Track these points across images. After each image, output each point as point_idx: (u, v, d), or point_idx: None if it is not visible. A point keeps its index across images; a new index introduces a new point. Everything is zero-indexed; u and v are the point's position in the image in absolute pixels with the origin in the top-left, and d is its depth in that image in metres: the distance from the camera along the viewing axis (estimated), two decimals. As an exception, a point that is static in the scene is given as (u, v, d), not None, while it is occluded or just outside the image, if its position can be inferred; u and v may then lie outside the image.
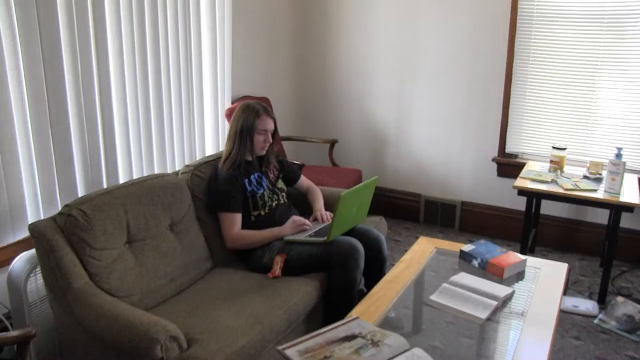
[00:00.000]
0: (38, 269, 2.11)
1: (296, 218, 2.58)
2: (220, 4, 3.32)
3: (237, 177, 2.56)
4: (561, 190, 2.98)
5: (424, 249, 2.48)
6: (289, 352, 1.61)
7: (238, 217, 2.54)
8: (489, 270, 2.25)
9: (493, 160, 3.87)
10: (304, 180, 2.88)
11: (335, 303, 2.40)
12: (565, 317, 2.92)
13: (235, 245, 2.54)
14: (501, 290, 2.05)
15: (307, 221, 2.58)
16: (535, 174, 3.21)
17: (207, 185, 2.62)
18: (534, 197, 3.13)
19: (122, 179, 2.75)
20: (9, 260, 2.19)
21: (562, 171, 3.26)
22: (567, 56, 3.52)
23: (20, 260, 2.15)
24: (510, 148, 3.83)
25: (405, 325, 1.98)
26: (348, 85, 4.29)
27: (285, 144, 4.06)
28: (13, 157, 2.23)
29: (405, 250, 2.62)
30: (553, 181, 3.10)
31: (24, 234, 2.29)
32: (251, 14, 3.79)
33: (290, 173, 2.82)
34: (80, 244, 2.02)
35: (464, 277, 2.14)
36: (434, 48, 3.92)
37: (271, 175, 2.72)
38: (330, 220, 2.63)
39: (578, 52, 3.48)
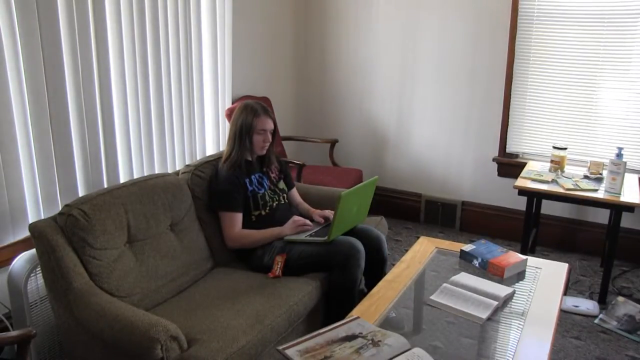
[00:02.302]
0: (38, 268, 2.11)
1: (297, 218, 2.58)
2: (220, 3, 3.32)
3: (237, 177, 2.56)
4: (562, 190, 2.98)
5: (424, 249, 2.48)
6: (290, 352, 1.61)
7: (239, 217, 2.53)
8: (489, 270, 2.25)
9: (494, 160, 3.87)
10: (295, 194, 2.85)
11: (335, 303, 2.40)
12: (565, 317, 2.92)
13: (235, 245, 2.54)
14: (502, 290, 2.05)
15: (307, 221, 2.58)
16: (535, 174, 3.21)
17: (208, 185, 2.62)
18: (534, 197, 3.13)
19: (122, 178, 2.75)
20: (9, 260, 2.19)
21: (562, 171, 3.26)
22: (568, 56, 3.52)
23: (21, 260, 2.14)
24: (510, 148, 3.83)
25: (406, 325, 1.98)
26: (348, 85, 4.29)
27: (285, 143, 4.06)
28: (13, 157, 2.23)
29: (406, 250, 2.62)
30: (553, 181, 3.10)
31: (24, 233, 2.28)
32: (252, 14, 3.79)
33: (285, 179, 2.81)
34: (80, 244, 2.02)
35: (465, 277, 2.14)
36: (435, 48, 3.92)
37: (272, 176, 2.72)
38: (331, 218, 2.63)
39: (579, 52, 3.48)
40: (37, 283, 2.14)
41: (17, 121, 2.22)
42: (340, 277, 2.36)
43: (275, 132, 2.68)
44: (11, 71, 2.18)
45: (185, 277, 2.38)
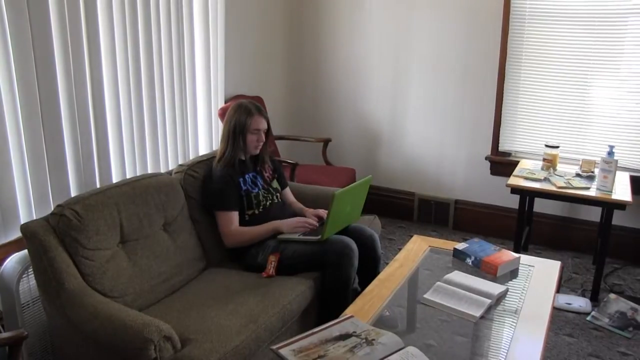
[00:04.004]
0: (30, 269, 2.09)
1: (300, 218, 2.58)
2: (213, 2, 3.31)
3: (232, 176, 2.55)
4: (554, 189, 3.00)
5: (417, 248, 2.49)
6: (283, 352, 1.61)
7: (235, 215, 2.53)
8: (482, 269, 2.25)
9: (486, 158, 3.89)
10: (288, 193, 2.85)
11: (329, 302, 2.40)
12: (558, 314, 2.94)
13: (234, 243, 2.53)
14: (495, 288, 2.06)
15: (310, 221, 2.56)
16: (528, 172, 3.22)
17: (202, 185, 2.61)
18: (527, 195, 3.15)
19: (115, 178, 2.74)
20: (0, 261, 2.17)
21: (555, 169, 3.27)
22: (560, 54, 3.53)
23: (12, 261, 2.13)
24: (503, 146, 3.84)
25: (400, 324, 1.98)
26: (341, 84, 4.28)
27: (278, 143, 4.05)
28: (5, 157, 2.21)
29: (399, 249, 2.62)
30: (546, 179, 3.11)
31: (16, 234, 2.27)
32: (244, 13, 3.78)
33: (279, 179, 2.81)
34: (73, 244, 2.01)
35: (458, 276, 2.15)
36: (427, 47, 3.92)
37: (266, 175, 2.71)
38: (325, 217, 2.63)
39: (570, 50, 3.50)
40: (29, 284, 2.13)
41: (8, 121, 2.21)
42: (333, 276, 2.36)
43: (268, 131, 2.68)
44: (2, 71, 2.16)
45: (178, 277, 2.37)
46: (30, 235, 1.98)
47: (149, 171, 2.97)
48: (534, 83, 3.65)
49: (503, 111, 3.78)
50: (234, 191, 2.54)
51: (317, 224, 2.61)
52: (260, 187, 2.64)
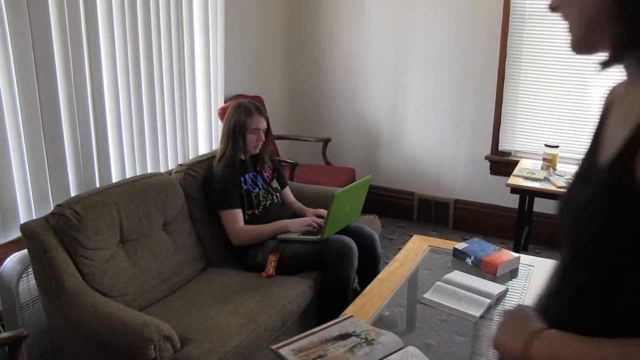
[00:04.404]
0: (30, 269, 2.10)
1: (307, 218, 2.58)
2: (212, 2, 3.31)
3: (233, 175, 2.56)
4: (554, 188, 2.99)
5: (417, 247, 2.48)
6: (283, 351, 1.61)
7: (239, 213, 2.53)
8: (482, 268, 2.25)
9: (486, 158, 3.88)
10: (288, 193, 2.85)
11: (329, 301, 2.40)
12: (558, 314, 2.93)
13: (241, 241, 2.52)
14: (495, 288, 2.06)
15: (317, 220, 2.57)
16: (528, 172, 3.22)
17: (204, 185, 2.61)
18: (526, 195, 3.15)
19: (115, 178, 2.73)
20: (0, 261, 2.17)
21: (554, 169, 3.27)
22: (560, 54, 3.53)
23: (12, 261, 2.13)
24: (503, 146, 3.84)
25: (399, 324, 1.99)
26: (341, 83, 4.28)
27: (278, 142, 4.05)
28: (5, 157, 2.21)
29: (399, 249, 2.62)
30: (546, 179, 3.11)
31: (16, 234, 2.26)
32: (244, 12, 3.78)
33: (278, 178, 2.81)
34: (72, 244, 2.01)
35: (458, 275, 2.14)
36: (427, 46, 3.92)
37: (266, 174, 2.71)
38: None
39: (570, 50, 3.49)
40: (28, 284, 2.13)
41: (8, 121, 2.20)
42: (333, 276, 2.36)
43: (268, 131, 2.68)
44: (2, 72, 2.16)
45: (178, 276, 2.37)
46: (30, 235, 1.99)
47: (149, 171, 2.97)
48: (534, 83, 3.65)
49: (503, 111, 3.78)
50: (236, 190, 2.55)
51: (323, 223, 2.62)
52: (261, 187, 2.64)
